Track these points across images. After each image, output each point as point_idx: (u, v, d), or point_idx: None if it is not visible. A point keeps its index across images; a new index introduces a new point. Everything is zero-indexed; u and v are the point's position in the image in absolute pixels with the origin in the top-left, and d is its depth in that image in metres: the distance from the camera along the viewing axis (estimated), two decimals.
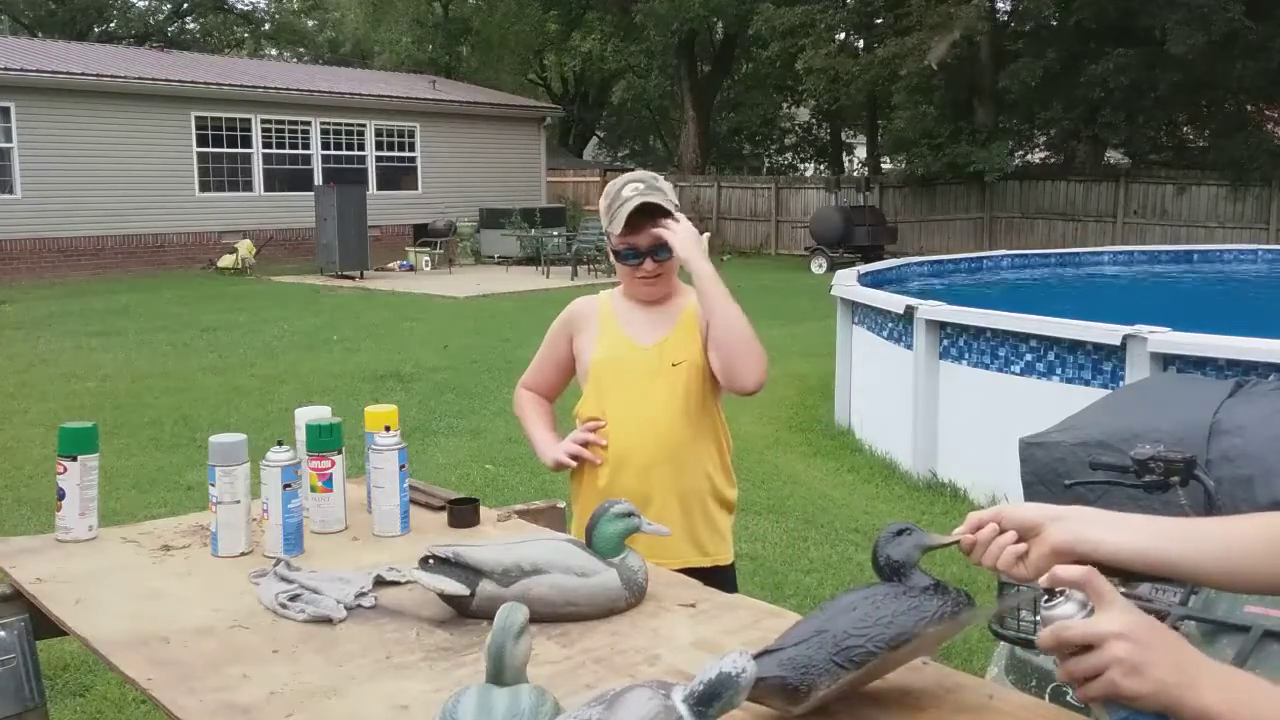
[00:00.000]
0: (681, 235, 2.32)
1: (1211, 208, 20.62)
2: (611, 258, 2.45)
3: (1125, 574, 2.16)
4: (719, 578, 2.29)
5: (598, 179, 27.09)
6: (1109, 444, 2.50)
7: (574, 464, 2.39)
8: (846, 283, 7.83)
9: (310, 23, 43.58)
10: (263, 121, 21.02)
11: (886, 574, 1.35)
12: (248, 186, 20.94)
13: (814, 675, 1.27)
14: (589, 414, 2.40)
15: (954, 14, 19.85)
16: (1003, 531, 1.24)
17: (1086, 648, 0.99)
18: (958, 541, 1.28)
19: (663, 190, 2.37)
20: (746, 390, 2.29)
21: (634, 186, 2.35)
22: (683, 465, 2.34)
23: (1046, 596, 1.04)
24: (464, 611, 1.66)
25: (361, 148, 22.70)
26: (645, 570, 1.74)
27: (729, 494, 2.43)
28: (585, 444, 2.37)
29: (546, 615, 1.62)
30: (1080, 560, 1.22)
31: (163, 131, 19.56)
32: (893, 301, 6.71)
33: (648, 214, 2.32)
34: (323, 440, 2.07)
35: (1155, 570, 1.19)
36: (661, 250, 2.35)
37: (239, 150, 20.79)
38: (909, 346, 6.45)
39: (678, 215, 2.37)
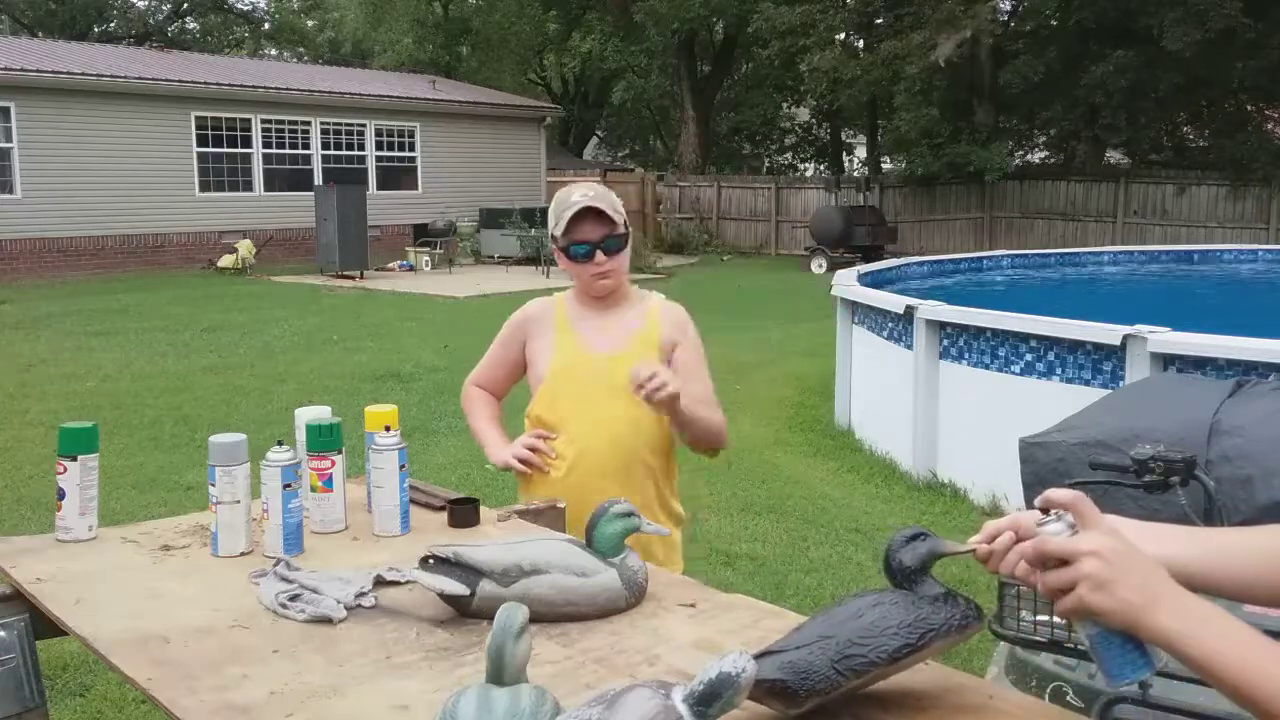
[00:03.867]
0: (666, 373, 2.26)
1: (1211, 208, 20.61)
2: (561, 261, 2.48)
3: None
4: None
5: (598, 179, 27.10)
6: (1109, 444, 2.50)
7: (523, 468, 2.44)
8: (846, 283, 7.82)
9: (310, 23, 43.60)
10: (263, 121, 21.02)
11: (898, 579, 1.32)
12: (248, 186, 20.94)
13: (813, 681, 1.26)
14: (540, 415, 2.46)
15: (962, 13, 19.83)
16: (1019, 540, 1.23)
17: (1064, 563, 1.04)
18: (973, 550, 1.27)
19: (613, 204, 2.41)
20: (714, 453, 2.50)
21: (584, 193, 2.39)
22: (632, 474, 2.39)
23: (1041, 516, 1.10)
24: (464, 611, 1.66)
25: (361, 148, 22.70)
26: (645, 570, 1.74)
27: (676, 507, 2.49)
28: (535, 449, 2.43)
29: (546, 615, 1.62)
30: None
31: (163, 131, 19.56)
32: (893, 301, 6.71)
33: (593, 218, 2.37)
34: (323, 440, 2.07)
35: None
36: (610, 241, 2.38)
37: (239, 150, 20.79)
38: (909, 346, 6.45)
39: (624, 227, 2.42)
